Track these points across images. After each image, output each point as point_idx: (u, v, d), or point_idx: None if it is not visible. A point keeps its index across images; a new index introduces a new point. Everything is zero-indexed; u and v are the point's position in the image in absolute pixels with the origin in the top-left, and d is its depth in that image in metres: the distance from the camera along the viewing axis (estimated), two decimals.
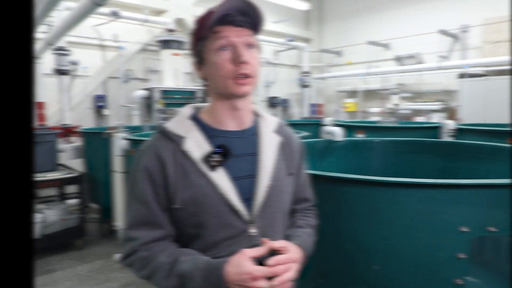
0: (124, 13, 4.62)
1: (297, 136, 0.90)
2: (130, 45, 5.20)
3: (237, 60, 0.72)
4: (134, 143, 2.56)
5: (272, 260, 0.69)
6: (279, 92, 7.16)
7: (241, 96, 0.76)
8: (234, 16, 0.73)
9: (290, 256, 0.72)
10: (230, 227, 0.73)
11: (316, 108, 7.61)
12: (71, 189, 3.35)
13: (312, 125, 4.07)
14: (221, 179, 0.73)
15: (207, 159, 0.74)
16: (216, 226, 0.73)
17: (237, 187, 0.74)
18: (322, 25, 8.43)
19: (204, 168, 0.73)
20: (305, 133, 2.38)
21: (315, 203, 0.94)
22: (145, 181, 0.75)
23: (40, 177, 2.97)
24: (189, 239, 0.76)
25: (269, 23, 6.43)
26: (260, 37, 0.78)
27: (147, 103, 4.70)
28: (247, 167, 0.77)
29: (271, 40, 6.63)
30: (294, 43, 7.04)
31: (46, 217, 2.94)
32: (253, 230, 0.74)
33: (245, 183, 0.76)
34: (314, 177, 0.97)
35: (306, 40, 8.15)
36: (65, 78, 4.15)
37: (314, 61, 7.92)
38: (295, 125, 2.91)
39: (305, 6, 7.30)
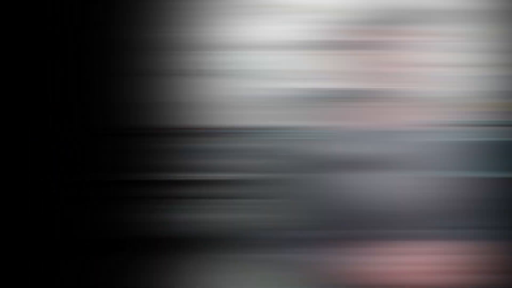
0: (285, 12, 2.74)
1: (453, 136, 0.85)
2: (291, 45, 2.66)
3: (383, 59, 0.71)
4: (286, 143, 2.34)
5: (418, 264, 0.65)
6: (439, 90, 2.96)
7: (386, 95, 0.73)
8: (391, 15, 0.71)
9: (442, 258, 0.67)
10: (376, 229, 0.70)
11: (481, 107, 2.93)
12: (217, 190, 2.89)
13: (477, 126, 2.03)
14: (367, 181, 0.71)
15: (354, 161, 0.71)
16: (363, 228, 0.71)
17: (384, 189, 0.71)
18: (497, 22, 3.80)
19: (350, 170, 0.71)
20: (467, 134, 1.65)
21: (480, 203, 0.83)
22: (297, 182, 0.75)
23: (171, 177, 2.77)
24: (338, 241, 0.73)
25: (437, 23, 1.97)
26: (426, 37, 0.78)
27: (307, 103, 2.94)
28: (395, 168, 0.72)
29: (439, 40, 2.92)
30: (464, 42, 3.55)
31: (187, 217, 2.86)
32: (398, 232, 0.70)
33: (392, 185, 0.72)
34: (478, 180, 0.86)
35: (476, 37, 3.23)
36: (221, 79, 3.35)
37: (482, 58, 3.35)
38: (458, 125, 1.63)
39: (479, 5, 3.76)
